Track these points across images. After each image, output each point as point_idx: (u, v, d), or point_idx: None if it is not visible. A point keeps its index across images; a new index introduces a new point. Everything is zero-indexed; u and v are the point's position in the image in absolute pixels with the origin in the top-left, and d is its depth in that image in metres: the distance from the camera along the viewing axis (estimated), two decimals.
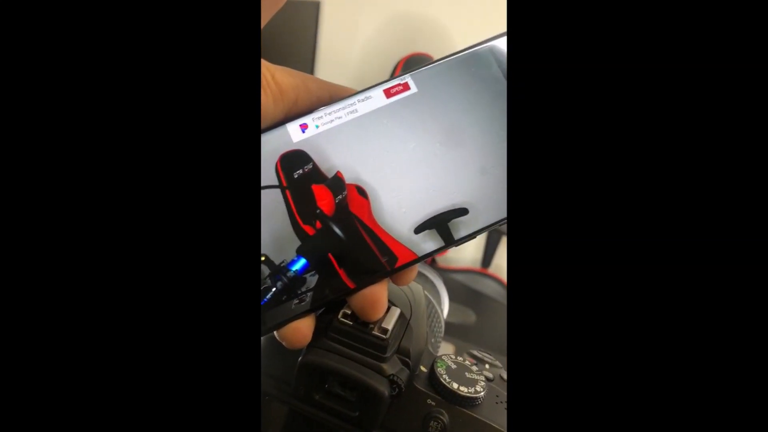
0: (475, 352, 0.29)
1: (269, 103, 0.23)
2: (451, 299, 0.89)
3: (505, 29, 0.22)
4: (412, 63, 0.82)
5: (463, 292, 0.95)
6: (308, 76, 0.25)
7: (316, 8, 0.86)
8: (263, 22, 0.21)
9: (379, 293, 0.24)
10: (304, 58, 0.87)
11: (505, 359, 0.73)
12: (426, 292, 0.36)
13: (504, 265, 1.01)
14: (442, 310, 0.38)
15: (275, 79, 0.23)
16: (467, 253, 1.03)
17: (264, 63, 0.23)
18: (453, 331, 0.82)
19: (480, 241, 1.00)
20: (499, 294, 0.97)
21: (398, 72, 0.82)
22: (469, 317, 0.87)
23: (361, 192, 0.24)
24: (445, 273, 0.98)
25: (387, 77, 0.87)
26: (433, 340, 0.33)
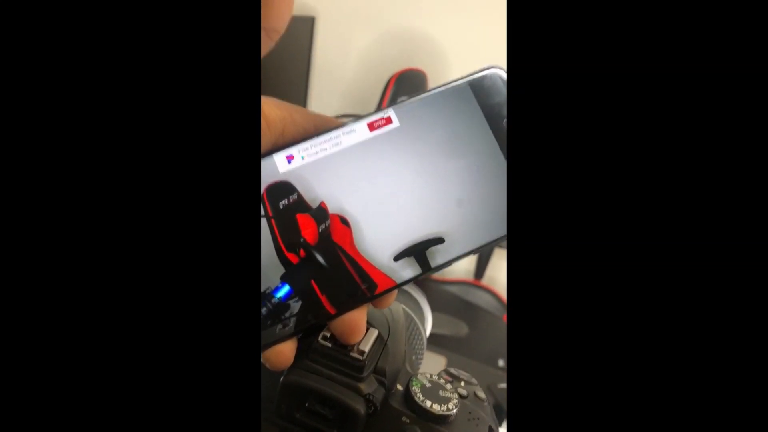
0: (452, 370, 0.30)
1: None
2: (443, 311, 0.90)
3: (492, 54, 0.23)
4: (404, 78, 0.84)
5: (455, 304, 0.95)
6: (295, 107, 0.25)
7: (311, 23, 0.87)
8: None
9: (358, 318, 0.25)
10: (298, 72, 0.88)
11: (495, 371, 0.73)
12: (408, 310, 0.38)
13: (496, 277, 1.02)
14: (424, 328, 0.40)
15: (263, 112, 0.24)
16: (460, 265, 1.03)
17: None
18: (445, 343, 0.82)
19: None
20: (492, 305, 0.97)
21: (390, 87, 0.83)
22: (462, 329, 0.87)
23: (344, 222, 0.25)
24: (437, 284, 0.99)
25: (380, 92, 0.88)
26: (414, 357, 0.34)
